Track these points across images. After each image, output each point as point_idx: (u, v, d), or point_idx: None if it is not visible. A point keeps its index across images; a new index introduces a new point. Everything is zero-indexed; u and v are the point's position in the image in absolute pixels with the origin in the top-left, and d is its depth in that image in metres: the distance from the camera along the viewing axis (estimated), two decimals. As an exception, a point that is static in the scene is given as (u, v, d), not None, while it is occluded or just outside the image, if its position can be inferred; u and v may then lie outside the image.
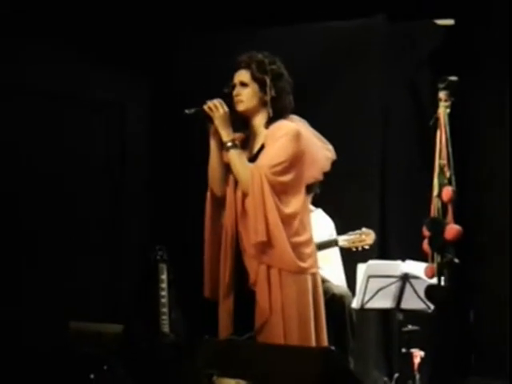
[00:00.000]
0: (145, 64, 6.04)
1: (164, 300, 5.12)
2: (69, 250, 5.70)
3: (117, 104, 6.04)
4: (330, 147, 3.75)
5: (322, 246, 4.86)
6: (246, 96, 3.69)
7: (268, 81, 3.67)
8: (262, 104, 3.69)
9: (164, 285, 5.17)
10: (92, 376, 4.36)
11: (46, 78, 5.60)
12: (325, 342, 3.65)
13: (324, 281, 4.90)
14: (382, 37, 5.80)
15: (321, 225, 4.92)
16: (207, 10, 5.88)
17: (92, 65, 5.82)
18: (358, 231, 4.87)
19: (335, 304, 4.75)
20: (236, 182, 3.67)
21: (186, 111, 3.70)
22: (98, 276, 5.80)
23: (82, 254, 5.74)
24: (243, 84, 3.70)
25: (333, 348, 3.21)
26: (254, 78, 3.69)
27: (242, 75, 3.72)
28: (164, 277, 5.20)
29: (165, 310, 5.09)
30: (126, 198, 6.04)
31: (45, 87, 5.65)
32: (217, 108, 3.64)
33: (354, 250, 4.87)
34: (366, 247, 4.88)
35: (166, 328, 5.06)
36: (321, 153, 3.70)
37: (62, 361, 4.84)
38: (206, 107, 3.67)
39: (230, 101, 3.70)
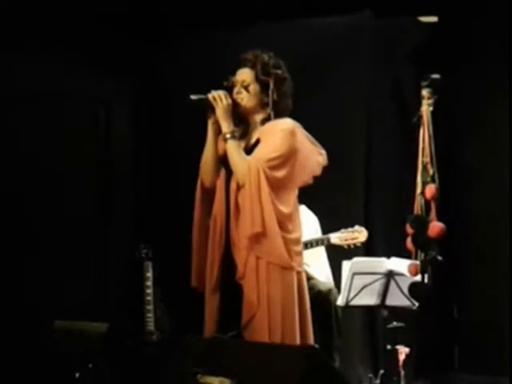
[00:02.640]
0: (129, 63, 6.02)
1: (149, 298, 5.13)
2: (54, 248, 5.67)
3: (101, 103, 6.03)
4: (323, 152, 3.75)
5: (314, 243, 4.89)
6: (247, 96, 3.69)
7: (271, 84, 3.66)
8: (262, 105, 3.69)
9: (149, 283, 5.17)
10: (77, 375, 4.36)
11: (32, 78, 5.58)
12: (310, 340, 3.67)
13: (310, 278, 4.94)
14: (368, 33, 5.80)
15: (306, 221, 4.94)
16: (192, 9, 5.87)
17: (76, 64, 5.80)
18: (350, 229, 4.91)
19: (321, 301, 4.79)
20: (228, 176, 3.67)
21: (191, 96, 3.68)
22: (83, 274, 5.78)
23: (68, 253, 5.71)
24: (245, 83, 3.70)
25: (316, 346, 3.21)
26: (258, 80, 3.68)
27: (246, 74, 3.71)
28: (149, 275, 5.20)
29: (150, 307, 5.10)
30: (111, 196, 6.03)
31: (30, 87, 5.63)
32: (221, 99, 3.64)
33: (346, 247, 4.89)
34: (358, 244, 4.92)
35: (151, 326, 5.07)
36: (313, 157, 3.71)
37: (46, 360, 4.84)
38: (210, 96, 3.66)
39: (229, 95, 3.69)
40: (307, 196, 4.76)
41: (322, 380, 3.00)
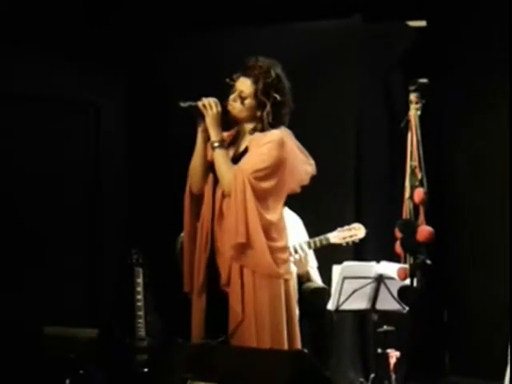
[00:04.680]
0: (120, 63, 6.02)
1: (140, 303, 5.12)
2: (44, 253, 5.66)
3: (92, 104, 6.01)
4: (312, 162, 3.74)
5: (313, 243, 4.90)
6: (241, 108, 3.66)
7: (268, 107, 3.63)
8: (255, 118, 3.67)
9: (140, 288, 5.17)
10: (67, 381, 4.35)
11: (24, 79, 5.57)
12: (298, 347, 3.66)
13: (310, 280, 4.94)
14: (357, 37, 5.82)
15: (290, 223, 4.94)
16: (186, 10, 5.87)
17: (68, 65, 5.79)
18: (347, 226, 4.93)
19: (315, 300, 4.79)
20: (215, 182, 3.68)
21: (181, 104, 3.67)
22: (74, 279, 5.77)
23: (58, 258, 5.70)
24: (243, 95, 3.66)
25: (306, 350, 3.22)
26: (256, 97, 3.64)
27: (246, 86, 3.66)
28: (140, 280, 5.20)
29: (141, 313, 5.10)
30: (101, 200, 6.01)
31: (22, 88, 5.62)
32: (211, 107, 3.63)
33: (345, 244, 4.91)
34: (357, 241, 4.93)
35: (141, 331, 5.06)
36: (301, 166, 3.70)
37: (37, 366, 4.82)
38: (200, 104, 3.65)
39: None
40: (298, 200, 4.79)
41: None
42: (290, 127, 3.79)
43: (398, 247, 3.36)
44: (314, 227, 5.09)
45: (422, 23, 5.78)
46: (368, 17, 5.73)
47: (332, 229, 4.96)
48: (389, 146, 5.74)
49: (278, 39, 5.80)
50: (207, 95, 3.70)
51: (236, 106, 3.67)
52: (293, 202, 4.81)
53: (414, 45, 5.76)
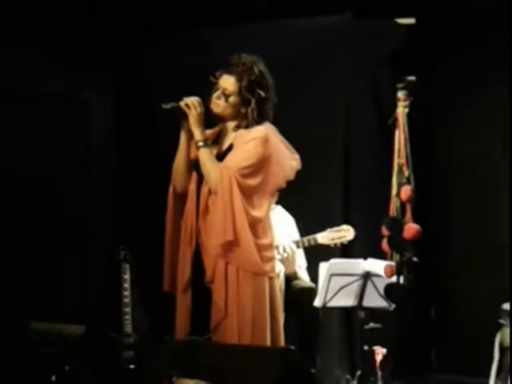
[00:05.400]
0: (109, 61, 6.00)
1: (127, 300, 5.11)
2: (32, 249, 5.65)
3: (81, 101, 6.00)
4: (297, 157, 3.75)
5: (301, 243, 4.91)
6: (225, 105, 3.67)
7: (253, 103, 3.63)
8: (239, 115, 3.68)
9: (127, 285, 5.16)
10: (53, 377, 4.33)
11: (11, 76, 5.54)
12: (281, 345, 3.67)
13: (298, 278, 4.95)
14: (348, 34, 5.81)
15: (282, 221, 4.96)
16: (172, 7, 5.86)
17: (56, 62, 5.77)
18: (336, 228, 4.94)
19: (303, 299, 4.80)
20: (199, 180, 3.68)
21: (163, 106, 3.66)
22: (61, 276, 5.76)
23: (46, 254, 5.69)
24: (227, 92, 3.66)
25: (292, 347, 3.22)
26: (240, 94, 3.64)
27: (230, 84, 3.66)
28: (127, 277, 5.19)
29: (127, 309, 5.09)
30: (90, 197, 6.00)
31: (10, 85, 5.59)
32: (194, 106, 3.63)
33: (333, 246, 4.92)
34: (346, 242, 4.95)
35: (128, 328, 5.05)
36: (287, 161, 3.71)
37: (23, 362, 4.80)
38: (182, 104, 3.64)
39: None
40: (287, 199, 4.80)
41: (297, 381, 3.01)
42: (279, 123, 3.79)
43: (384, 245, 3.36)
44: (302, 224, 5.10)
45: (411, 20, 5.78)
46: (358, 13, 5.72)
47: (320, 226, 4.97)
48: (377, 144, 5.73)
49: (269, 36, 5.79)
50: (195, 94, 3.70)
51: (220, 104, 3.67)
52: (281, 199, 4.84)
53: (404, 42, 5.76)
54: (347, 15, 5.71)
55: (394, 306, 4.63)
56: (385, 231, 3.34)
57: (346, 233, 4.92)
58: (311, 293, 4.82)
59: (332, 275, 4.70)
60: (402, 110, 3.39)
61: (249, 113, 3.64)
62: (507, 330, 5.23)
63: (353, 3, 5.70)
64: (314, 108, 5.78)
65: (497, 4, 5.66)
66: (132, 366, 4.94)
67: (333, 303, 4.76)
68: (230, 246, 3.55)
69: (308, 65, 5.82)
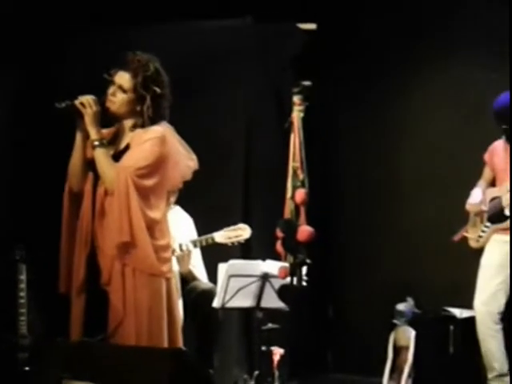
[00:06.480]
0: (12, 55, 5.87)
1: (22, 301, 5.02)
2: None
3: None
4: (194, 157, 3.76)
5: (199, 242, 4.92)
6: (120, 102, 3.64)
7: (148, 100, 3.62)
8: (135, 113, 3.66)
9: (23, 285, 5.06)
10: None
11: None
12: (180, 345, 3.67)
13: (195, 279, 4.96)
14: (249, 38, 5.86)
15: (180, 221, 4.96)
16: (82, 5, 5.78)
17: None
18: (233, 226, 4.96)
19: (204, 301, 4.81)
20: (95, 180, 3.65)
21: (57, 105, 3.62)
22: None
23: None
24: (123, 88, 3.64)
25: (184, 348, 3.24)
26: (135, 91, 3.63)
27: (125, 80, 3.64)
28: (23, 277, 5.09)
29: (23, 310, 4.99)
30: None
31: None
32: (90, 105, 3.60)
33: (231, 244, 4.94)
34: (242, 241, 4.97)
35: (23, 329, 4.97)
36: (183, 161, 3.71)
37: None
38: (77, 102, 3.61)
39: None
40: (186, 198, 4.81)
41: (190, 381, 3.02)
42: (178, 124, 3.80)
43: (279, 246, 3.41)
44: (202, 225, 5.12)
45: (313, 26, 5.87)
46: (260, 18, 5.78)
47: (220, 227, 4.99)
48: (276, 147, 5.80)
49: (170, 38, 5.77)
50: (96, 92, 3.68)
51: (115, 101, 3.65)
52: (180, 200, 4.84)
53: (304, 47, 5.85)
54: (247, 20, 5.76)
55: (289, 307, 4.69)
56: (279, 233, 3.39)
57: (242, 231, 4.96)
58: (212, 294, 4.85)
59: (231, 276, 4.72)
60: (297, 115, 3.44)
61: (144, 110, 3.62)
62: (401, 330, 5.39)
63: (254, 8, 5.75)
64: (215, 109, 5.81)
65: (397, 14, 5.83)
66: (27, 368, 4.86)
67: (231, 304, 4.78)
68: (127, 247, 3.53)
69: (209, 67, 5.83)
